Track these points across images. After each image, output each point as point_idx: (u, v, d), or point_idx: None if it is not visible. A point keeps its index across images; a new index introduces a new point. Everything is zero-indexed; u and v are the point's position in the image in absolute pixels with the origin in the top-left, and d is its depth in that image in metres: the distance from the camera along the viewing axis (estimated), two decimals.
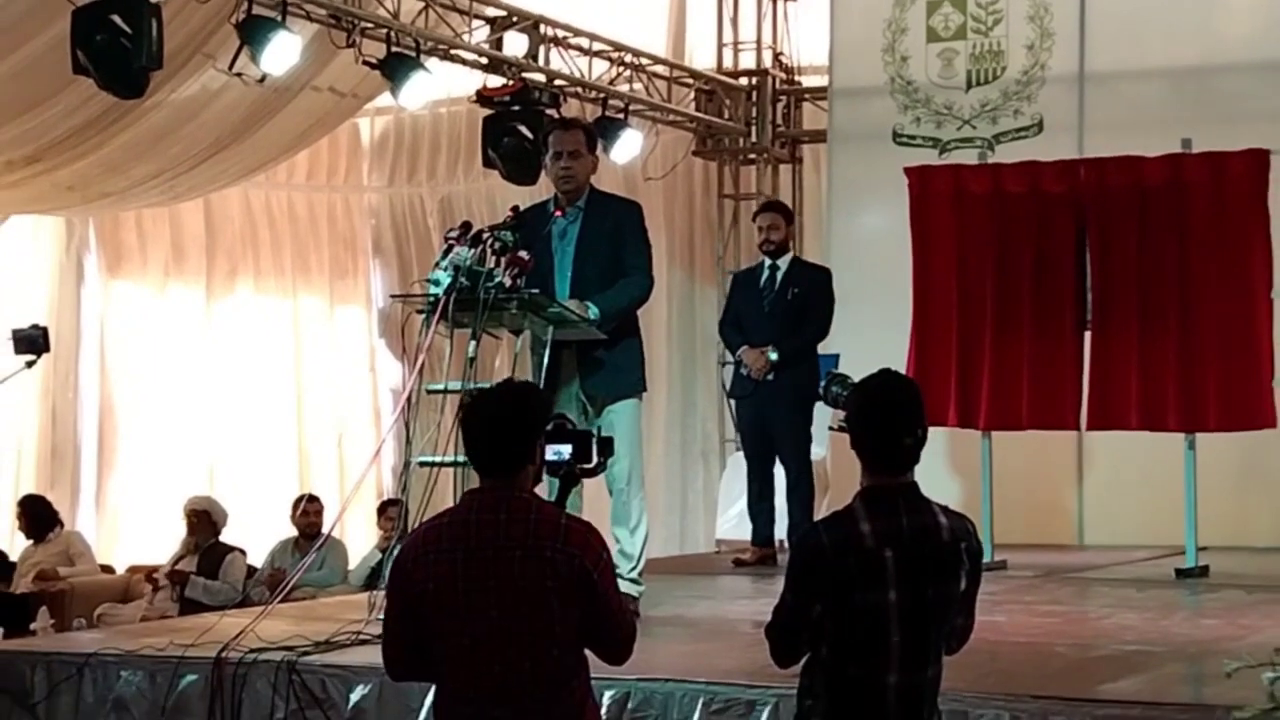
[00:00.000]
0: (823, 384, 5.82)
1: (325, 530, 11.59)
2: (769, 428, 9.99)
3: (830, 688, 4.39)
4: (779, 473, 10.10)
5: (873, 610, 4.32)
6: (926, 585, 4.38)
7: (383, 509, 11.79)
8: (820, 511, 10.79)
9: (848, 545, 4.34)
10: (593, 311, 7.28)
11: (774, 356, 9.86)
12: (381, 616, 4.73)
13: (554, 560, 4.41)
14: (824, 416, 10.61)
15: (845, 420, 4.69)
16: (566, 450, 4.84)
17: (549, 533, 4.45)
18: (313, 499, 12.33)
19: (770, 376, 9.87)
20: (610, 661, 4.64)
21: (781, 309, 10.00)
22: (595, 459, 5.04)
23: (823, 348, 10.78)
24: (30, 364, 7.52)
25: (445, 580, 4.43)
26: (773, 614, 4.51)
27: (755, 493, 10.15)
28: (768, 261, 10.19)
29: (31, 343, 7.49)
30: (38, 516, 12.70)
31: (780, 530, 10.30)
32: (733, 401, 10.66)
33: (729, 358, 13.80)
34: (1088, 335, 9.53)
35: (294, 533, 11.98)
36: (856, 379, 4.90)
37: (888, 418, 4.48)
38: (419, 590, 4.46)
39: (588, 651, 4.52)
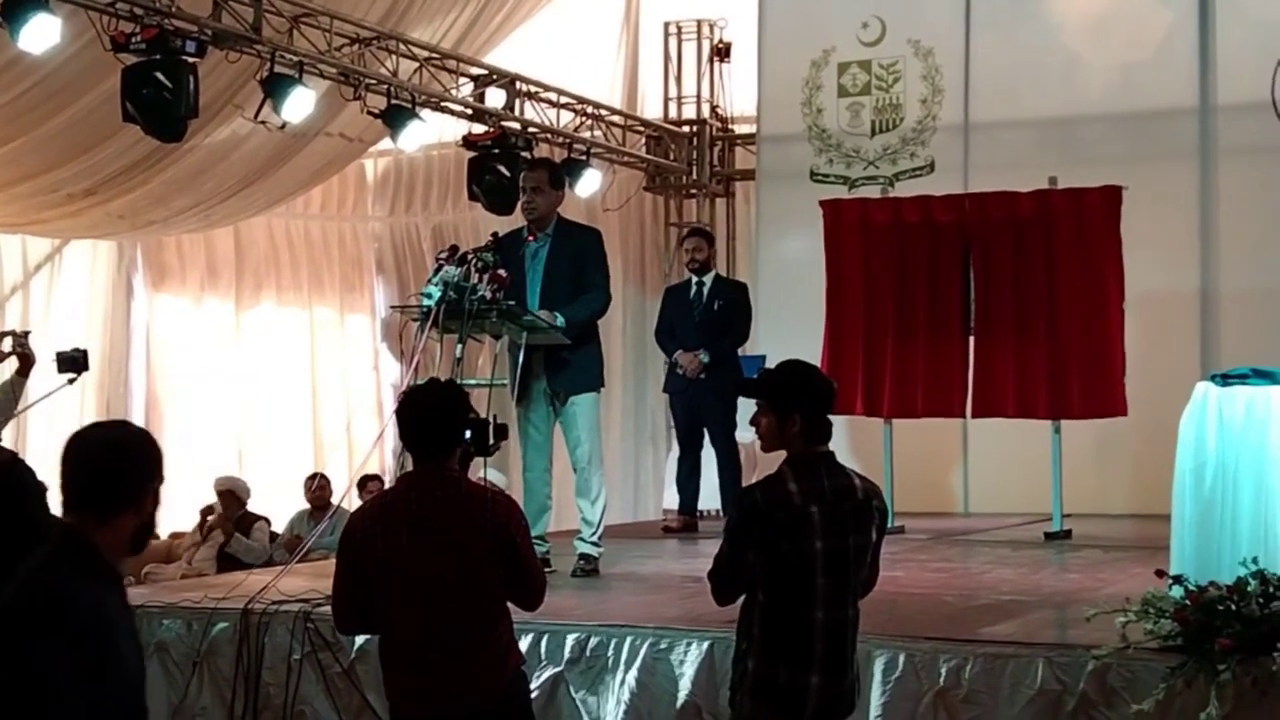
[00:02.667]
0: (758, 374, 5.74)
1: (334, 502, 11.52)
2: (701, 418, 9.97)
3: (764, 626, 4.37)
4: (705, 456, 10.08)
5: (802, 557, 4.32)
6: (847, 535, 4.39)
7: (363, 484, 11.62)
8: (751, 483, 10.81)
9: (778, 503, 4.34)
10: (560, 320, 7.26)
11: (705, 359, 9.83)
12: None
13: (484, 528, 4.50)
14: (747, 406, 10.63)
15: None
16: (467, 434, 4.88)
17: (479, 505, 4.56)
18: (322, 476, 12.28)
19: (703, 376, 9.85)
20: (526, 609, 4.76)
21: (709, 318, 9.97)
22: (492, 441, 5.09)
23: (749, 350, 10.81)
24: (71, 381, 7.36)
25: (394, 549, 4.48)
26: (714, 562, 4.50)
27: (685, 472, 10.11)
28: (694, 278, 10.15)
29: (73, 362, 7.32)
30: None
31: (704, 503, 10.28)
32: (668, 396, 10.57)
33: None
34: (972, 339, 9.55)
35: (308, 506, 11.92)
36: None
37: (829, 399, 4.56)
38: (372, 559, 4.50)
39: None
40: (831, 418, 4.54)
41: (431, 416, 4.59)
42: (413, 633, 4.50)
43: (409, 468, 4.69)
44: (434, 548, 4.46)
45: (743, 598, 4.46)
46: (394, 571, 4.48)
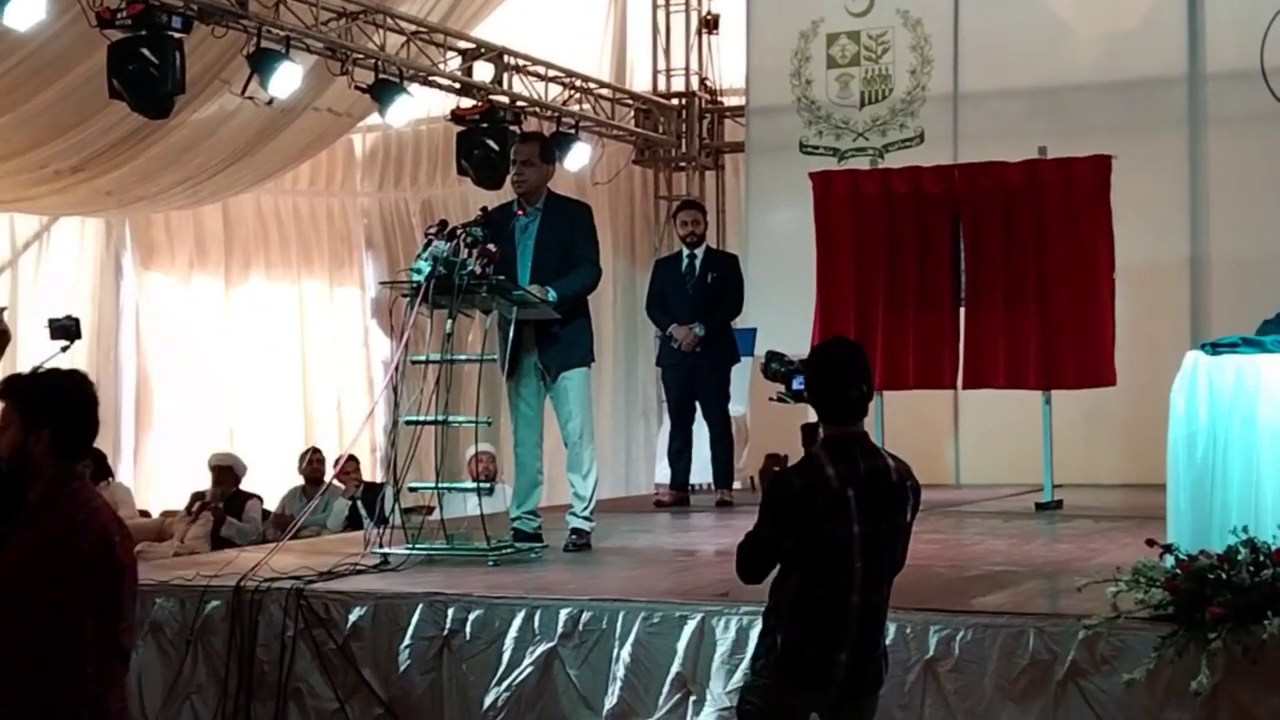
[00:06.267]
0: (763, 361, 5.76)
1: (327, 479, 11.55)
2: (694, 391, 9.96)
3: (796, 606, 4.33)
4: (696, 430, 10.07)
5: (839, 541, 4.29)
6: (882, 519, 4.37)
7: (338, 464, 11.35)
8: (740, 459, 10.84)
9: (816, 487, 4.30)
10: (551, 295, 7.24)
11: (700, 331, 9.82)
12: None
13: None
14: (740, 381, 10.63)
15: (784, 393, 4.65)
16: None
17: None
18: (316, 450, 12.30)
19: (697, 349, 9.84)
20: None
21: (703, 291, 9.96)
22: None
23: (741, 324, 10.80)
24: (65, 349, 7.34)
25: None
26: (749, 539, 4.42)
27: (676, 446, 10.08)
28: (686, 251, 10.13)
29: (66, 331, 7.31)
30: (99, 465, 12.64)
31: (695, 477, 10.27)
32: (660, 369, 10.53)
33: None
34: (962, 310, 9.55)
35: (302, 481, 11.93)
36: (791, 356, 4.85)
37: (843, 373, 4.45)
38: None
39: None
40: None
41: None
42: None
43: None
44: None
45: (775, 572, 4.41)
46: None
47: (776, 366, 5.00)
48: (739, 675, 5.18)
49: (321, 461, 12.00)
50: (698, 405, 9.99)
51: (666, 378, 10.28)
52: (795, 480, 4.35)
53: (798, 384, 4.57)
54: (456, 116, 12.45)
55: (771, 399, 4.76)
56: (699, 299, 9.93)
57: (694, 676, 5.45)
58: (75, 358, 9.03)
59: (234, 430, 14.64)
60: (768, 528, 4.37)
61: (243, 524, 11.32)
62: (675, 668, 5.49)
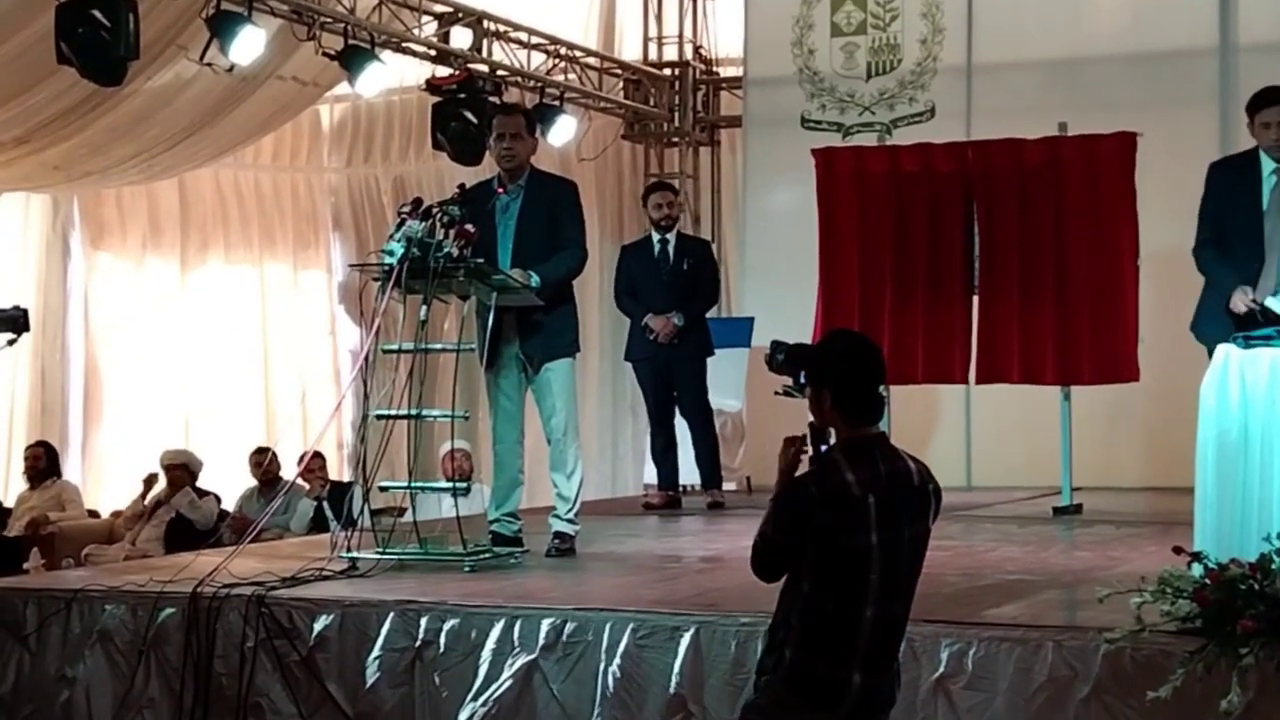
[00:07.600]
0: (767, 352, 5.72)
1: (286, 477, 11.49)
2: (672, 385, 9.93)
3: (807, 617, 4.29)
4: (681, 426, 10.04)
5: (858, 552, 4.25)
6: (904, 526, 4.34)
7: (302, 461, 11.33)
8: (736, 458, 10.83)
9: (835, 495, 4.26)
10: (534, 279, 7.23)
11: (679, 321, 9.80)
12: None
13: None
14: (736, 374, 10.60)
15: (793, 386, 4.61)
16: None
17: None
18: (263, 450, 12.16)
19: (675, 340, 9.83)
20: None
21: (678, 279, 9.94)
22: None
23: (735, 311, 10.78)
24: (11, 342, 7.35)
25: None
26: (760, 541, 4.37)
27: (660, 445, 10.06)
28: (656, 235, 10.09)
29: (12, 322, 7.31)
30: (51, 460, 12.64)
31: (685, 477, 10.24)
32: (630, 364, 10.40)
33: None
34: (975, 299, 9.56)
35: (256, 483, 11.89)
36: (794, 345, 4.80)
37: (872, 371, 4.43)
38: None
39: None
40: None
41: None
42: None
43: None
44: None
45: (784, 580, 4.39)
46: None
47: (782, 358, 4.97)
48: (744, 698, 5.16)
49: (272, 460, 11.90)
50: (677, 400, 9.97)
51: (639, 371, 10.18)
52: (813, 488, 4.30)
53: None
54: (432, 86, 12.43)
55: (778, 393, 4.70)
56: (674, 287, 9.90)
57: (696, 697, 5.43)
58: (22, 343, 9.05)
59: (189, 424, 14.63)
60: (779, 533, 4.32)
61: (199, 501, 11.31)
62: (673, 687, 5.47)
